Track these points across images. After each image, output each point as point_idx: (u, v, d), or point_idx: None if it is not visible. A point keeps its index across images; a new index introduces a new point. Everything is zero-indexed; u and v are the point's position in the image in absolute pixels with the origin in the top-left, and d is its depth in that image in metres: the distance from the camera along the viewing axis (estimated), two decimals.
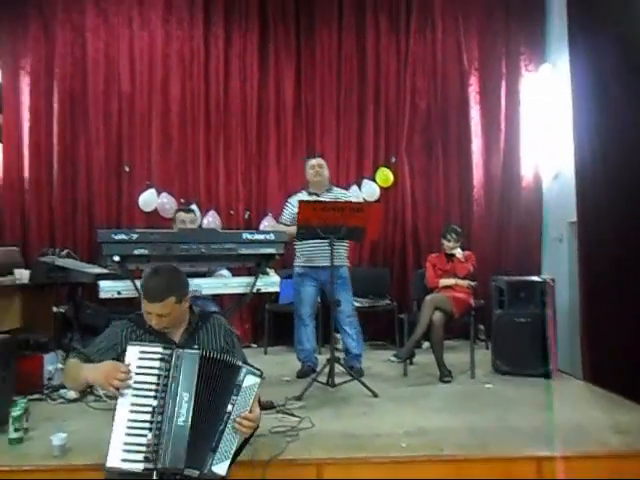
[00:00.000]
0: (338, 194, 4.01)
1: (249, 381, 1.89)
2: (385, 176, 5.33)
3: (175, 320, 2.02)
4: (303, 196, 3.97)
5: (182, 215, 3.95)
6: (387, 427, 2.76)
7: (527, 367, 3.84)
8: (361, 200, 4.93)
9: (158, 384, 1.82)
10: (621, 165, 3.48)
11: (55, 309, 4.18)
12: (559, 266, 4.77)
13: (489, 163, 5.46)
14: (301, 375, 3.86)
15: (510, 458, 2.40)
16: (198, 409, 1.82)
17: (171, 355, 1.85)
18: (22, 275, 3.66)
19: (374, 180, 5.33)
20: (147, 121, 5.22)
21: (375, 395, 3.35)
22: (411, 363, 4.17)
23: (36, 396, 3.22)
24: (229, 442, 1.84)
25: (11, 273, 3.62)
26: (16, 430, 2.50)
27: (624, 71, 3.45)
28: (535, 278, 4.20)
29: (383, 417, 2.96)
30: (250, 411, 1.87)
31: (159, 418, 1.79)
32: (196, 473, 1.79)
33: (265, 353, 4.83)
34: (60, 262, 3.71)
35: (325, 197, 3.92)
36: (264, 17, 5.36)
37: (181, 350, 1.89)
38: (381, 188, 5.33)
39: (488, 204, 5.43)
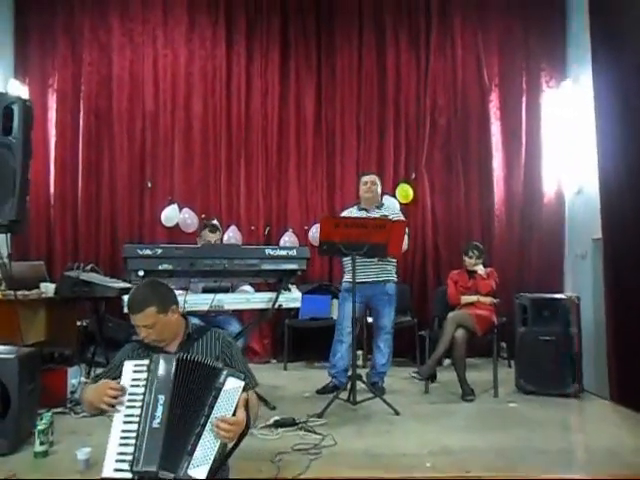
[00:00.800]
0: (385, 211, 3.99)
1: (230, 384, 1.85)
2: (405, 192, 5.33)
3: (164, 332, 2.04)
4: (353, 211, 4.00)
5: (208, 234, 3.98)
6: (411, 446, 2.73)
7: (552, 386, 3.77)
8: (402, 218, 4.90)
9: (143, 393, 1.85)
10: None
11: (78, 323, 4.23)
12: (583, 283, 4.70)
13: (510, 179, 5.43)
14: (322, 392, 3.83)
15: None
16: (173, 411, 1.81)
17: (151, 362, 1.89)
18: (47, 289, 3.71)
19: (394, 196, 5.34)
20: (170, 138, 5.31)
21: (397, 413, 3.32)
22: (433, 381, 4.12)
23: (60, 409, 3.25)
24: (208, 446, 1.79)
25: (37, 287, 3.68)
26: (42, 443, 2.53)
27: None
28: (559, 295, 4.13)
29: (406, 436, 2.93)
30: (234, 415, 1.82)
31: (140, 425, 1.81)
32: (170, 476, 1.76)
33: (285, 369, 4.81)
34: (85, 276, 3.75)
35: (374, 214, 3.92)
36: (285, 35, 5.44)
37: (157, 355, 1.92)
38: (401, 204, 5.32)
39: (509, 220, 5.39)
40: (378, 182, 4.03)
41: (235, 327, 3.76)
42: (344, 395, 3.42)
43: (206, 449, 1.79)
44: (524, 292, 4.27)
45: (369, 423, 3.17)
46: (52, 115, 5.26)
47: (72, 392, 3.48)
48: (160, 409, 1.81)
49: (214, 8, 5.37)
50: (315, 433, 2.90)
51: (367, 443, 2.78)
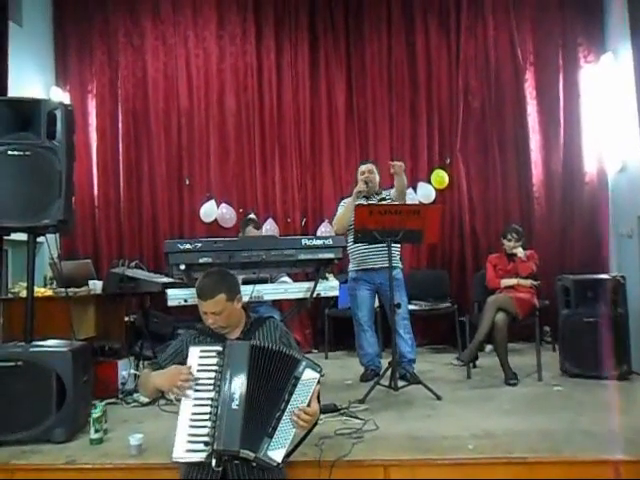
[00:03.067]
0: (385, 196, 3.97)
1: (308, 375, 1.95)
2: (440, 178, 5.28)
3: (230, 319, 2.13)
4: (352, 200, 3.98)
5: (252, 230, 4.10)
6: (452, 429, 2.72)
7: (598, 369, 3.67)
8: (416, 202, 4.87)
9: (216, 378, 1.94)
10: None
11: (126, 319, 4.39)
12: (630, 263, 4.55)
13: (549, 160, 5.30)
14: (364, 379, 3.86)
15: (586, 461, 2.30)
16: (251, 394, 1.90)
17: (224, 348, 1.97)
18: (95, 286, 3.87)
19: (429, 182, 5.29)
20: (205, 134, 5.43)
21: (439, 398, 3.31)
22: (474, 366, 4.09)
23: (112, 400, 3.39)
24: (286, 431, 1.89)
25: (86, 284, 3.84)
26: (96, 431, 2.65)
27: None
28: (603, 276, 4.02)
29: (448, 420, 2.92)
30: (308, 405, 1.93)
31: (217, 407, 1.89)
32: (252, 455, 1.85)
33: (326, 358, 4.87)
34: (130, 272, 3.89)
35: (373, 201, 3.92)
36: (313, 26, 5.47)
37: (230, 341, 2.03)
38: (436, 190, 5.28)
39: (549, 202, 5.28)
40: (376, 171, 3.98)
41: (276, 317, 3.83)
42: (385, 381, 3.44)
43: (284, 433, 1.89)
44: (568, 274, 4.18)
45: (410, 408, 3.18)
46: (92, 120, 5.46)
47: (123, 383, 3.62)
48: (238, 392, 1.89)
49: (243, 5, 5.45)
50: (357, 418, 2.93)
51: (408, 427, 2.79)
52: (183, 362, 2.03)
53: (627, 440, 2.49)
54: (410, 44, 5.41)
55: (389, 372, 3.42)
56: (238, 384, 1.90)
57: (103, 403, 2.83)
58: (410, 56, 5.41)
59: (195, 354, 1.99)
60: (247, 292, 3.24)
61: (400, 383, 3.41)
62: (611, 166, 5.02)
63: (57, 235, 3.15)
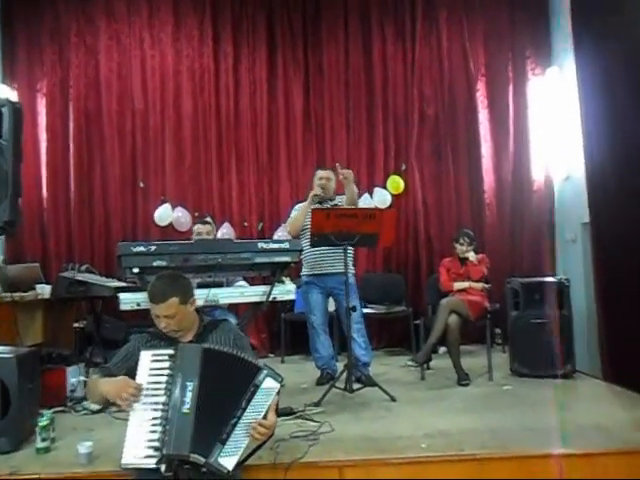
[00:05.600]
0: (337, 202, 4.00)
1: (268, 384, 1.92)
2: (396, 183, 5.38)
3: (183, 323, 2.11)
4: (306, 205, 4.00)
5: (199, 227, 4.03)
6: (407, 430, 2.77)
7: (545, 368, 3.82)
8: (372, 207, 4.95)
9: (167, 382, 1.91)
10: (631, 164, 3.49)
11: (76, 324, 4.26)
12: (574, 267, 4.77)
13: (499, 167, 5.48)
14: (320, 382, 3.87)
15: (531, 456, 2.40)
16: (204, 398, 1.87)
17: (176, 351, 1.95)
18: (44, 290, 3.74)
19: (385, 188, 5.38)
20: (160, 137, 5.34)
21: (393, 399, 3.36)
22: (428, 368, 4.18)
23: (60, 408, 3.27)
24: (240, 439, 1.87)
25: (33, 289, 3.71)
26: (43, 440, 2.56)
27: (630, 71, 3.47)
28: (549, 279, 4.19)
29: (402, 420, 2.97)
30: (265, 417, 1.90)
31: (167, 411, 1.86)
32: (202, 460, 1.81)
33: (282, 362, 4.86)
34: (80, 276, 3.78)
35: (326, 206, 3.93)
36: (271, 31, 5.47)
37: (182, 344, 2.01)
38: (393, 195, 5.37)
39: (500, 208, 5.45)
40: (333, 177, 4.01)
41: (231, 321, 3.80)
42: (341, 384, 3.46)
43: (238, 441, 1.86)
44: (517, 277, 4.33)
45: (366, 410, 3.21)
46: (42, 119, 5.28)
47: (72, 391, 3.50)
48: (189, 395, 1.86)
49: (200, 7, 5.41)
50: (313, 421, 2.94)
51: (364, 428, 2.83)
52: (135, 366, 1.99)
53: (571, 435, 2.61)
54: (367, 50, 5.49)
55: (345, 375, 3.45)
56: (189, 388, 1.87)
57: (51, 411, 2.73)
58: (367, 63, 5.49)
59: (147, 358, 1.96)
60: (202, 296, 3.21)
61: (355, 385, 3.44)
62: (557, 175, 5.24)
63: (2, 237, 3.03)
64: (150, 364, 1.94)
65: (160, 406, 1.87)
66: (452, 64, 5.50)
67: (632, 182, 3.47)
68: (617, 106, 3.61)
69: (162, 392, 1.89)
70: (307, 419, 2.99)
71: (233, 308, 4.16)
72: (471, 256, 4.18)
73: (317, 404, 3.25)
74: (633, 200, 3.45)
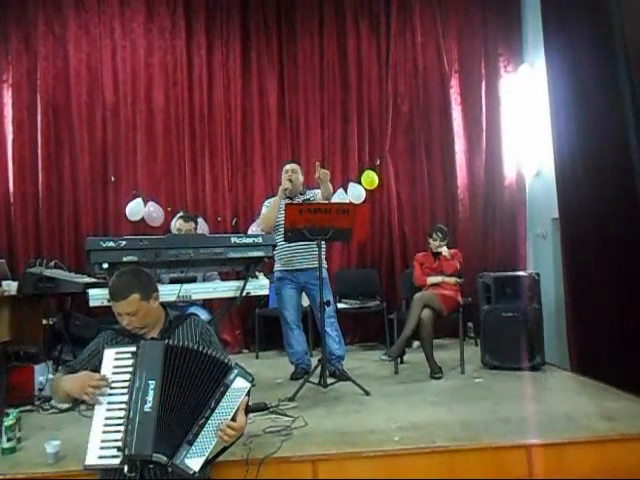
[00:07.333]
0: (309, 196, 4.01)
1: (239, 383, 1.88)
2: (370, 178, 5.39)
3: (146, 319, 2.07)
4: (276, 200, 3.98)
5: (181, 224, 4.01)
6: (380, 423, 2.79)
7: (515, 361, 3.89)
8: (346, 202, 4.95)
9: (130, 380, 1.86)
10: (599, 161, 3.56)
11: (45, 321, 4.16)
12: (544, 261, 4.86)
13: (472, 163, 5.54)
14: (294, 377, 3.87)
15: (501, 447, 2.44)
16: (167, 396, 1.83)
17: (138, 348, 1.91)
18: (10, 287, 3.64)
19: (360, 183, 5.39)
20: (132, 130, 5.24)
21: (367, 393, 3.38)
22: (402, 362, 4.21)
23: (28, 407, 3.20)
24: (208, 439, 1.82)
25: None
26: (9, 440, 2.50)
27: (600, 68, 3.53)
28: (520, 273, 4.26)
29: (375, 414, 2.99)
30: (234, 419, 1.86)
31: (129, 410, 1.82)
32: (164, 459, 1.77)
33: (257, 357, 4.83)
34: (48, 272, 3.69)
35: (298, 201, 3.94)
36: (246, 25, 5.41)
37: (143, 341, 1.96)
38: (367, 190, 5.38)
39: (472, 203, 5.51)
40: (299, 170, 4.03)
41: (205, 317, 3.76)
42: (315, 379, 3.47)
43: (206, 442, 1.81)
44: (488, 272, 4.39)
45: (339, 404, 3.22)
46: (8, 111, 5.13)
47: (40, 389, 3.43)
48: (151, 394, 1.82)
49: None
50: (286, 416, 2.94)
51: (337, 423, 2.83)
52: (99, 364, 1.94)
53: (540, 425, 2.66)
54: (341, 45, 5.48)
55: (319, 369, 3.45)
56: (151, 386, 1.82)
57: (17, 410, 2.67)
58: (341, 57, 5.48)
59: (110, 356, 1.92)
60: (174, 291, 3.17)
61: (329, 380, 3.45)
62: (528, 171, 5.32)
63: None
64: (113, 362, 1.90)
65: (123, 405, 1.83)
66: (426, 60, 5.53)
67: (601, 178, 3.54)
68: (586, 102, 3.67)
69: (125, 390, 1.84)
70: (281, 414, 2.98)
71: (207, 304, 4.13)
72: (444, 251, 4.22)
73: (291, 399, 3.25)
74: (602, 195, 3.53)
